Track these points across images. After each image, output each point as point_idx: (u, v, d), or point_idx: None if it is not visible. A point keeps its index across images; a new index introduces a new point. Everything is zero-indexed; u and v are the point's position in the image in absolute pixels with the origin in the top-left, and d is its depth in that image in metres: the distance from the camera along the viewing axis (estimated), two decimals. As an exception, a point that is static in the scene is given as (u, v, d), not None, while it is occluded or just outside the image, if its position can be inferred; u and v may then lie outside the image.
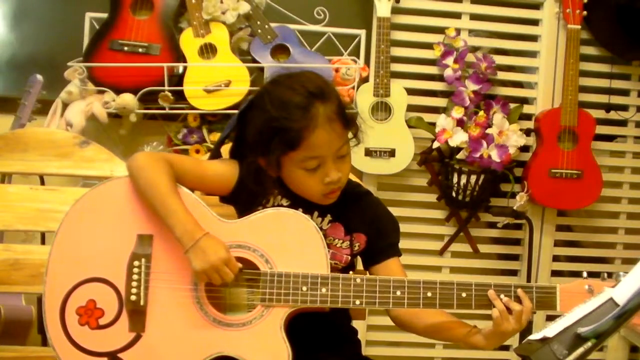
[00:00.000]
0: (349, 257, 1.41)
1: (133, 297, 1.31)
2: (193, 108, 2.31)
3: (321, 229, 1.39)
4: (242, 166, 1.40)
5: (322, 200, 1.38)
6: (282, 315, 1.29)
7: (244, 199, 1.40)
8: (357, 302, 1.29)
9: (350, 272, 1.37)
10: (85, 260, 1.33)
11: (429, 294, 1.29)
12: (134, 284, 1.31)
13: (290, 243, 1.31)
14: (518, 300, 1.28)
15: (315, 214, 1.41)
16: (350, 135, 1.40)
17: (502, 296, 1.28)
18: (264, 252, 1.31)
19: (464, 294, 1.29)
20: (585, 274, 1.31)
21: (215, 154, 1.48)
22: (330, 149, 1.32)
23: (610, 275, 1.30)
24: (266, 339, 1.28)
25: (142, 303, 1.31)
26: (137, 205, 1.34)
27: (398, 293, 1.29)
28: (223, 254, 1.26)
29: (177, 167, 1.35)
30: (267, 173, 1.37)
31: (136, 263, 1.32)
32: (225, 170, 1.40)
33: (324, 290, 1.29)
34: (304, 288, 1.29)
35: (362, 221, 1.43)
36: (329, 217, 1.41)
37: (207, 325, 1.30)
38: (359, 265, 1.49)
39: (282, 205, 1.39)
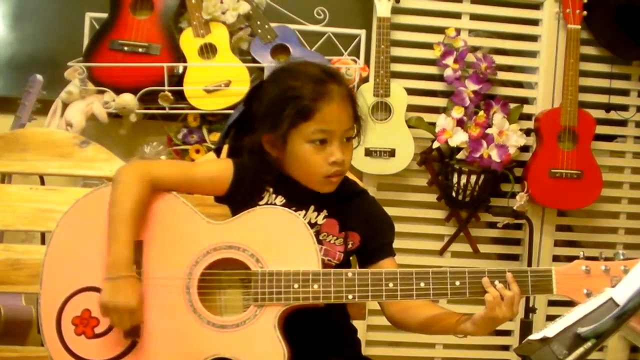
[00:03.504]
0: (342, 255, 1.41)
1: None
2: (193, 108, 2.31)
3: (316, 223, 1.39)
4: (243, 151, 1.41)
5: (323, 184, 1.38)
6: (276, 314, 1.28)
7: (239, 198, 1.40)
8: (350, 296, 1.29)
9: None
10: (77, 269, 1.33)
11: (422, 284, 1.29)
12: None
13: (280, 241, 1.31)
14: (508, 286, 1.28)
15: (312, 208, 1.40)
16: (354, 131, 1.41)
17: (496, 282, 1.28)
18: (254, 251, 1.31)
19: (457, 282, 1.29)
20: (582, 255, 1.29)
21: (223, 141, 1.49)
22: (340, 125, 1.34)
23: (608, 259, 1.28)
24: (261, 339, 1.28)
25: None
26: None
27: (391, 285, 1.29)
28: (132, 304, 1.26)
29: (163, 179, 1.36)
30: (269, 153, 1.38)
31: None
32: (218, 172, 1.41)
33: (315, 286, 1.28)
34: (296, 285, 1.28)
35: (357, 219, 1.43)
36: (325, 213, 1.41)
37: (202, 328, 1.30)
38: (355, 266, 1.48)
39: (275, 204, 1.39)
